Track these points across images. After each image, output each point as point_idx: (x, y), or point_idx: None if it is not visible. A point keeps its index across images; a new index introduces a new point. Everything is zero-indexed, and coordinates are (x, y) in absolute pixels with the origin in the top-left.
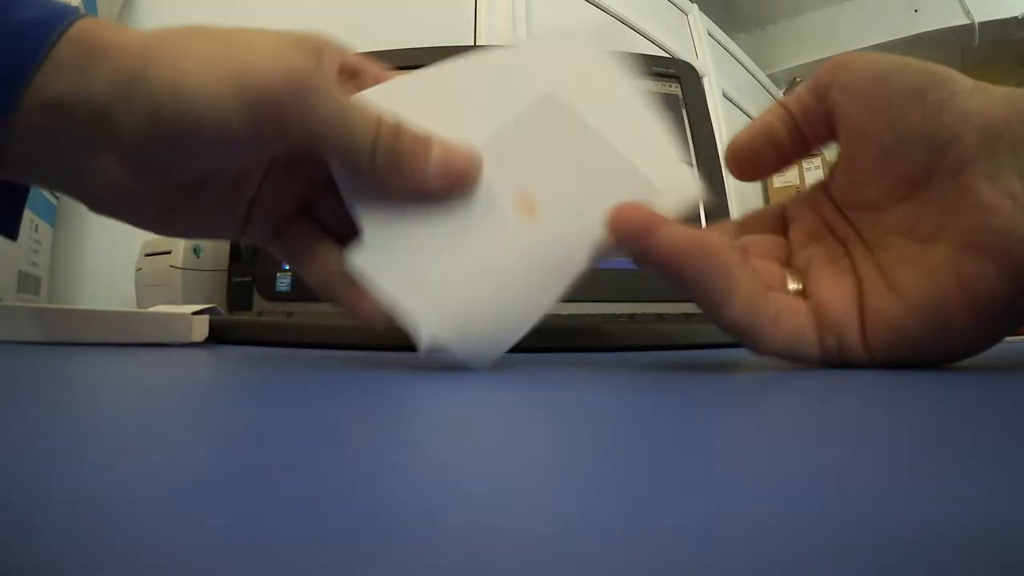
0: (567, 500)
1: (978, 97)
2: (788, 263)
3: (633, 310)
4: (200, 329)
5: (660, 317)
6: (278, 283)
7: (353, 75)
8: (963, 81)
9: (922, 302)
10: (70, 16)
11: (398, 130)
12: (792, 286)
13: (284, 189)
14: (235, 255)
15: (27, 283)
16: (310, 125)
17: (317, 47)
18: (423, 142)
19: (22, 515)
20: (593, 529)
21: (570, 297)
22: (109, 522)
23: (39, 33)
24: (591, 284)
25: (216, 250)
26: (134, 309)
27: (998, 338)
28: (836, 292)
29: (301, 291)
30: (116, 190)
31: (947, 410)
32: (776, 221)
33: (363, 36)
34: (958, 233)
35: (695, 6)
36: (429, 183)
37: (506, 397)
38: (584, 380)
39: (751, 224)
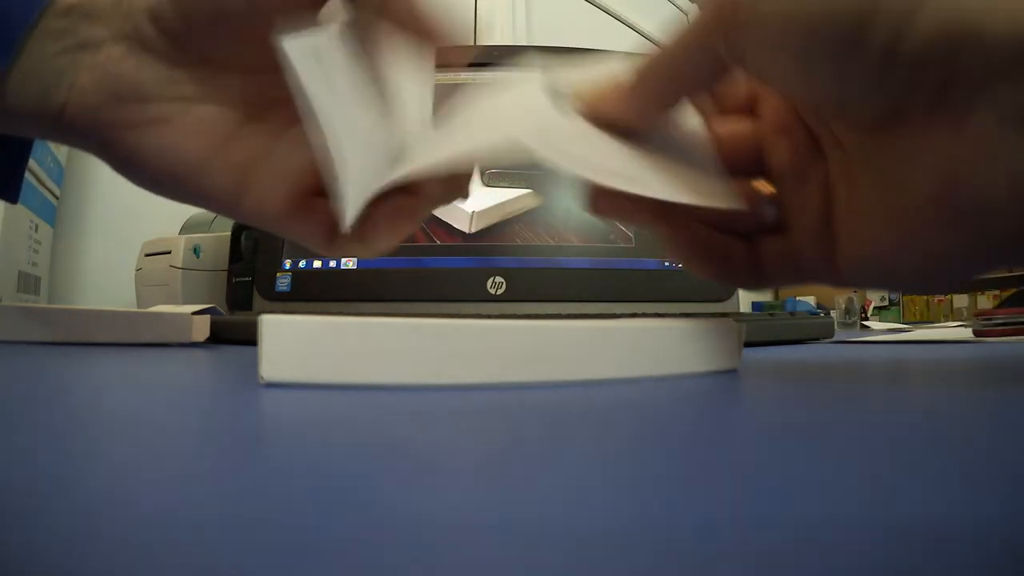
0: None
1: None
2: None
3: (634, 310)
4: (201, 329)
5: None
6: (278, 283)
7: None
8: None
9: (884, 251)
10: None
11: None
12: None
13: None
14: (235, 255)
15: (27, 283)
16: None
17: None
18: None
19: (21, 514)
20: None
21: (571, 297)
22: (108, 522)
23: None
24: (592, 284)
25: (216, 250)
26: (134, 309)
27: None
28: (804, 214)
29: (301, 291)
30: (107, 78)
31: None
32: (742, 94)
33: None
34: (928, 184)
35: (695, 6)
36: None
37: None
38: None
39: (720, 97)
